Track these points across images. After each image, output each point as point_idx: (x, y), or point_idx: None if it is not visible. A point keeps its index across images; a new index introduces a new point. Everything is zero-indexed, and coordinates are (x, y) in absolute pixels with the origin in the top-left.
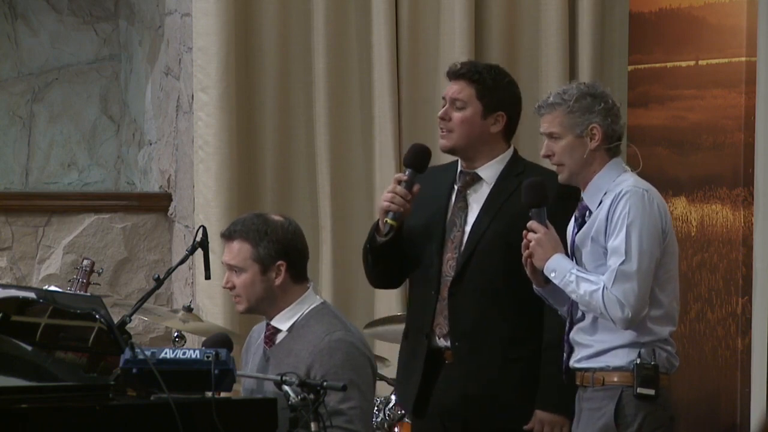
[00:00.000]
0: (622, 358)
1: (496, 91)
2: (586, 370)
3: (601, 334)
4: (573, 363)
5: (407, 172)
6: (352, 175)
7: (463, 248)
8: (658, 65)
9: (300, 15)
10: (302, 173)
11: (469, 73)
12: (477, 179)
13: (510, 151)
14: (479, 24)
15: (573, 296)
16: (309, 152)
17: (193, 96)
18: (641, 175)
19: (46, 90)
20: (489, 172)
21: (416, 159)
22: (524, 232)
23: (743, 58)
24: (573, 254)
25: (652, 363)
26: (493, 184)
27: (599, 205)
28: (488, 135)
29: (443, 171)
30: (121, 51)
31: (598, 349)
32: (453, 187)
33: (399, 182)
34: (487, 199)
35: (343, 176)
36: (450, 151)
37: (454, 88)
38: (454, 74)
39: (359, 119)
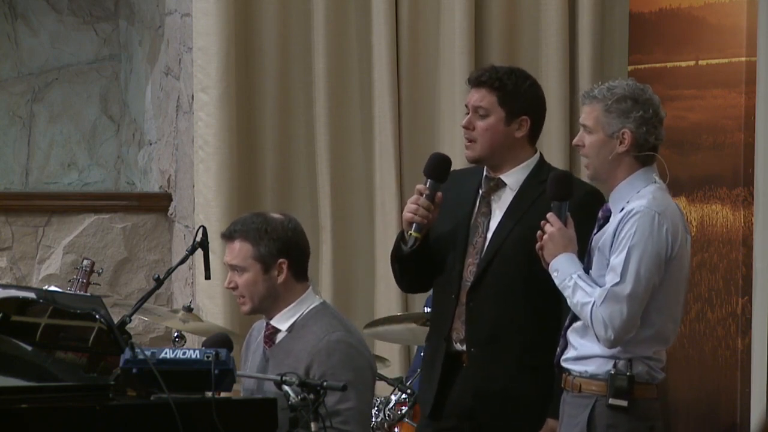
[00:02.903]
0: (599, 367)
1: (517, 95)
2: (569, 372)
3: (588, 339)
4: (562, 360)
5: (428, 183)
6: (352, 175)
7: (483, 254)
8: (658, 65)
9: (300, 15)
10: (302, 173)
11: (490, 80)
12: (501, 185)
13: (536, 157)
14: (479, 24)
15: (568, 301)
16: (309, 152)
17: (193, 96)
18: None
19: (46, 90)
20: (513, 178)
21: (436, 169)
22: (542, 222)
23: (743, 58)
24: (589, 254)
25: (627, 374)
26: (516, 190)
27: (621, 211)
28: (513, 140)
29: (469, 175)
30: (121, 51)
31: (581, 353)
32: (478, 193)
33: (421, 194)
34: (510, 205)
35: (343, 176)
36: (476, 161)
37: (475, 96)
38: (475, 81)
39: (359, 119)
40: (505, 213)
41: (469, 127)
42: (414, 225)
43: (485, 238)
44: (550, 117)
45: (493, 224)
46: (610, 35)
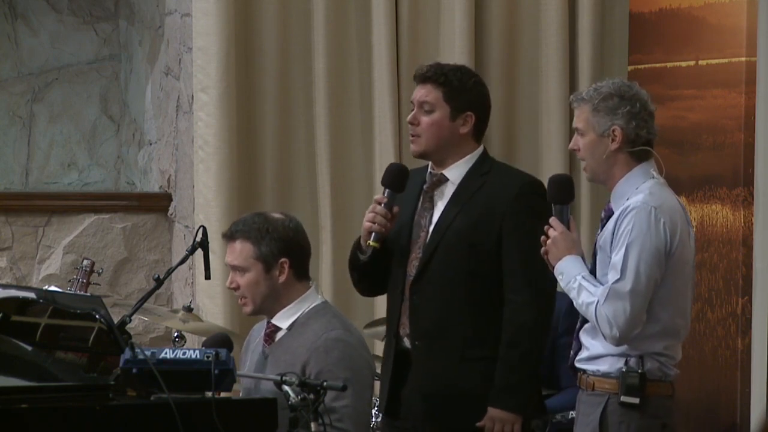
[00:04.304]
0: (611, 365)
1: (462, 92)
2: (583, 372)
3: (599, 339)
4: (576, 361)
5: (386, 193)
6: (352, 175)
7: (425, 247)
8: (658, 65)
9: (300, 15)
10: (302, 173)
11: (436, 75)
12: (443, 180)
13: (478, 151)
14: (479, 24)
15: (574, 303)
16: (309, 152)
17: (193, 96)
18: None
19: (46, 90)
20: (455, 172)
21: (394, 179)
22: (546, 227)
23: (743, 58)
24: (594, 256)
25: (639, 371)
26: (457, 183)
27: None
28: (458, 136)
29: (417, 174)
30: (121, 51)
31: (593, 353)
32: (422, 189)
33: (379, 203)
34: (450, 198)
35: (343, 176)
36: (421, 156)
37: (421, 92)
38: (420, 77)
39: (359, 119)
40: (446, 207)
41: (414, 122)
42: (373, 234)
43: (427, 232)
44: (549, 117)
45: (435, 218)
46: (610, 35)
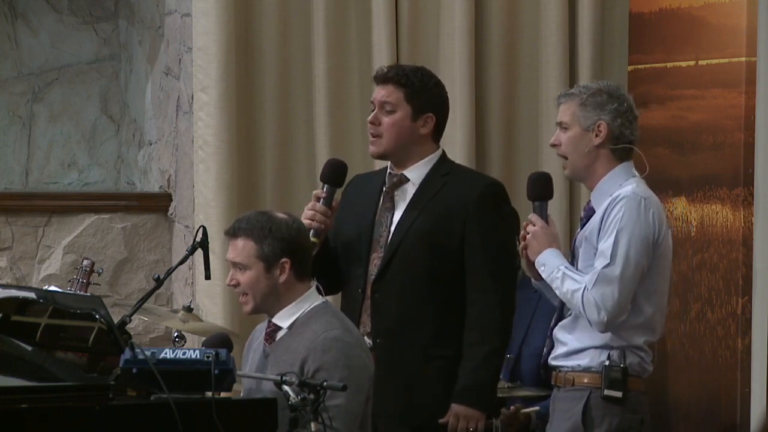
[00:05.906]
0: (592, 359)
1: (424, 92)
2: (560, 369)
3: (578, 333)
4: (550, 360)
5: (325, 189)
6: (352, 175)
7: (387, 246)
8: (658, 65)
9: (300, 15)
10: (302, 173)
11: (397, 76)
12: (404, 180)
13: (438, 153)
14: (479, 24)
15: (557, 292)
16: (309, 152)
17: (193, 96)
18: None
19: (46, 90)
20: (416, 173)
21: (332, 174)
22: (524, 223)
23: (743, 58)
24: (573, 253)
25: (622, 365)
26: (419, 184)
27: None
28: (418, 137)
29: (374, 176)
30: (121, 51)
31: (572, 348)
32: (382, 189)
33: (318, 199)
34: (412, 198)
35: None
36: (381, 156)
37: (382, 92)
38: (381, 78)
39: (359, 119)
40: (407, 206)
41: (375, 122)
42: (312, 231)
43: (389, 231)
44: (548, 118)
45: (397, 218)
46: (610, 35)
